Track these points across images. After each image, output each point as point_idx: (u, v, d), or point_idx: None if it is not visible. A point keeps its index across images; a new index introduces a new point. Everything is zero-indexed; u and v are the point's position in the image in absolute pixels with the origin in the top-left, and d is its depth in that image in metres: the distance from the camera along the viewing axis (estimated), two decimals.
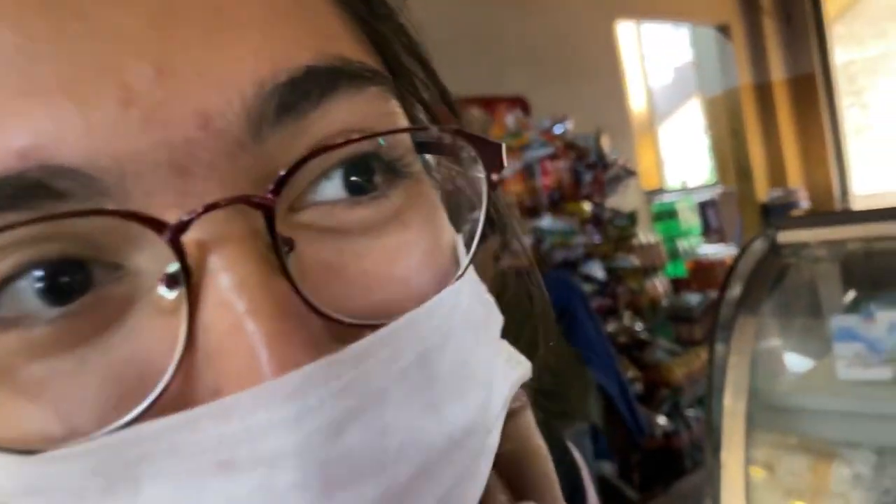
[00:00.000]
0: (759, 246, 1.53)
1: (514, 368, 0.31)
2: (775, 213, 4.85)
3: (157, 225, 0.22)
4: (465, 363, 0.27)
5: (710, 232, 4.71)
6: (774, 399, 1.48)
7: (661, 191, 4.95)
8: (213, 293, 0.23)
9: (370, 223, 0.27)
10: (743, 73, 5.54)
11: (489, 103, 3.55)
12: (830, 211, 4.85)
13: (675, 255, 4.21)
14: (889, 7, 5.56)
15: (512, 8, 3.84)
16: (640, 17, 4.86)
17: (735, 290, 1.54)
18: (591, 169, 3.60)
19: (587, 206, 3.51)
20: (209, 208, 0.22)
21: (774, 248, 1.53)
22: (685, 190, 5.22)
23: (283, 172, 0.24)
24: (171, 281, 0.23)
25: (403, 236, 0.27)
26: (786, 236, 1.50)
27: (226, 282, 0.22)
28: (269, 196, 0.23)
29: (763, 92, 5.63)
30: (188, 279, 0.22)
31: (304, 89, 0.25)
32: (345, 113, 0.26)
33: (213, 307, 0.22)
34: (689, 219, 4.48)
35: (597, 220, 3.55)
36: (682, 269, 4.15)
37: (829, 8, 5.67)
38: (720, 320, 1.54)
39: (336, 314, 0.24)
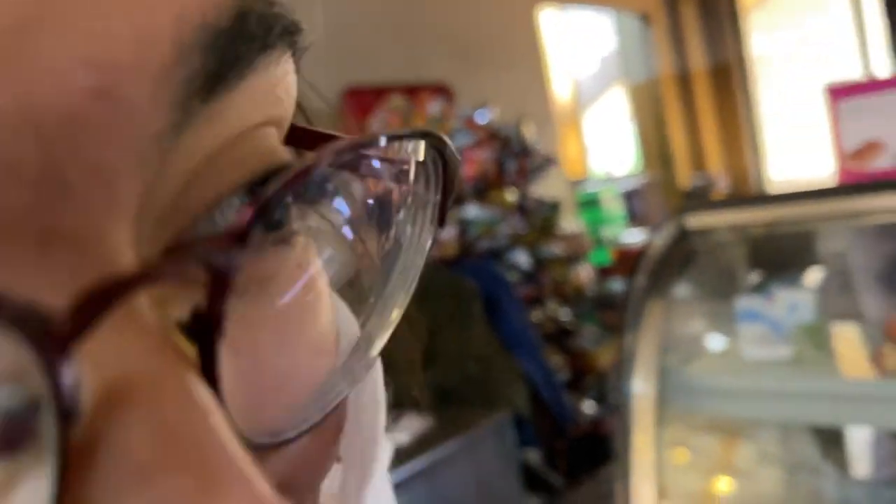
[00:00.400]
0: (668, 231, 1.54)
1: (383, 455, 0.22)
2: (695, 200, 4.95)
3: (31, 327, 0.10)
4: (376, 464, 0.20)
5: (635, 220, 4.78)
6: (684, 381, 1.50)
7: (586, 179, 5.00)
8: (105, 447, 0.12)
9: (273, 273, 0.17)
10: (665, 62, 5.64)
11: (412, 91, 3.52)
12: (737, 195, 4.97)
13: (599, 243, 4.26)
14: None
15: None
16: (563, 3, 4.88)
17: (646, 275, 1.55)
18: (516, 158, 3.61)
19: (511, 196, 3.51)
20: (141, 278, 0.12)
21: (683, 233, 1.54)
22: (610, 179, 5.29)
23: (269, 194, 0.14)
24: (9, 437, 0.11)
25: (309, 293, 0.18)
26: (694, 221, 1.52)
27: (134, 426, 0.12)
28: (233, 252, 0.13)
29: (684, 80, 5.74)
30: (64, 439, 0.11)
31: (248, 38, 0.15)
32: (269, 89, 0.16)
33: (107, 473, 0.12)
34: (614, 207, 4.54)
35: (521, 209, 3.56)
36: (606, 257, 4.20)
37: None
38: (631, 305, 1.55)
39: (268, 439, 0.15)
